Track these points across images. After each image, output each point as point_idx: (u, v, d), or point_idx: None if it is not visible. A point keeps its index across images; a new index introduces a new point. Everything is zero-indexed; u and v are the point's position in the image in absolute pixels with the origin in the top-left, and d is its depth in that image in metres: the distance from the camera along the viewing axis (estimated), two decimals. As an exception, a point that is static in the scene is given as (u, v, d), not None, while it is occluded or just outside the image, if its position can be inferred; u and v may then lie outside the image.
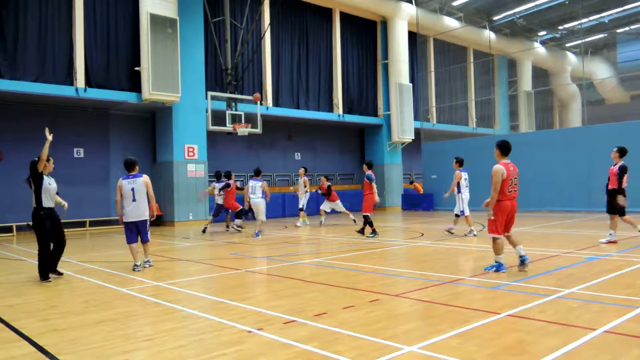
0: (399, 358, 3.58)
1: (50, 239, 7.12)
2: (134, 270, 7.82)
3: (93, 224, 16.70)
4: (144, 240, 8.14)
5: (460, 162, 11.75)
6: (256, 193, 12.76)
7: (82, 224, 16.41)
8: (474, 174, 22.38)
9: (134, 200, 7.84)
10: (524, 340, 3.86)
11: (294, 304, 5.30)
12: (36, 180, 7.09)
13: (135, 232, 8.00)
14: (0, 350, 4.05)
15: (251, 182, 12.92)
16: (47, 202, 7.14)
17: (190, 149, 17.54)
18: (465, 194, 11.74)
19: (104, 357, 3.81)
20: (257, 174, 13.26)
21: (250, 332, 4.32)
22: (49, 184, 7.21)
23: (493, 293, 5.59)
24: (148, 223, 8.10)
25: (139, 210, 7.88)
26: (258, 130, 17.66)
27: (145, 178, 7.98)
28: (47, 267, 7.14)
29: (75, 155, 16.68)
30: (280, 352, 3.77)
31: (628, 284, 5.80)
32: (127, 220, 7.87)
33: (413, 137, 24.07)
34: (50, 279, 7.09)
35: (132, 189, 7.86)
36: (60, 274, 7.45)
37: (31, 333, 4.49)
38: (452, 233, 11.86)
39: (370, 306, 5.12)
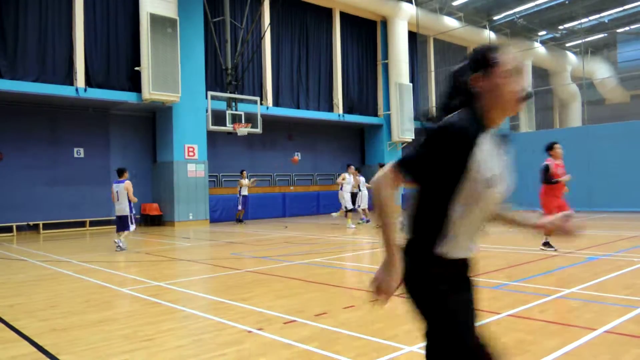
0: (399, 358, 3.58)
1: (470, 342, 1.95)
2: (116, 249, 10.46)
3: (93, 224, 16.69)
4: (125, 229, 10.66)
5: (359, 170, 16.46)
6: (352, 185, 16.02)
7: (82, 224, 16.41)
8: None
9: (117, 199, 10.61)
10: (524, 340, 3.85)
11: (294, 304, 5.30)
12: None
13: (119, 223, 10.75)
14: (0, 350, 4.05)
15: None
16: (463, 241, 1.97)
17: (191, 149, 17.54)
18: (364, 191, 15.69)
19: (104, 357, 3.81)
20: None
21: (250, 332, 4.32)
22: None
23: (493, 293, 5.59)
24: (129, 217, 10.60)
25: (120, 207, 10.62)
26: (258, 130, 17.66)
27: (126, 183, 10.53)
28: None
29: (75, 155, 16.67)
30: (280, 352, 3.77)
31: (628, 284, 5.81)
32: (115, 214, 10.83)
33: (413, 137, 24.07)
34: None
35: (117, 192, 10.61)
36: None
37: (31, 333, 4.49)
38: (369, 221, 15.17)
39: (370, 306, 5.12)
